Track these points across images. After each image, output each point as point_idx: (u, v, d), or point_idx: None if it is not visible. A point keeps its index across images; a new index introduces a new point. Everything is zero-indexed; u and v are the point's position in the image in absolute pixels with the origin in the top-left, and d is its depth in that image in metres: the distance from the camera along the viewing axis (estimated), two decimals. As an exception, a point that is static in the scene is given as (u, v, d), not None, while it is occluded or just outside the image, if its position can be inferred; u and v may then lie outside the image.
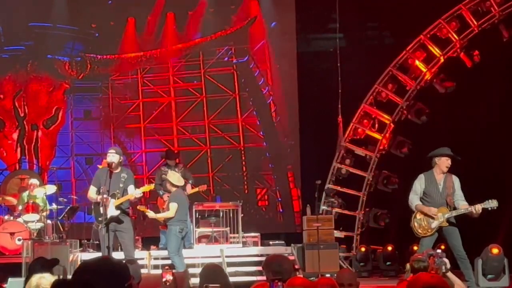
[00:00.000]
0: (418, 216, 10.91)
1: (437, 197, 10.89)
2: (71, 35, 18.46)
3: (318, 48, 17.66)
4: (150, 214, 12.85)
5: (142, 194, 11.95)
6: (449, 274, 8.30)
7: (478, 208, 10.67)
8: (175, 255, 12.33)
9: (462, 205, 10.86)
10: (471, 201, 11.01)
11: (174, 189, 12.58)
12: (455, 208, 10.84)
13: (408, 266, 8.15)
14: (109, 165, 11.23)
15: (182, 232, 12.44)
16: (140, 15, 18.42)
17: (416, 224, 10.91)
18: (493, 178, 15.31)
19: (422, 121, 16.62)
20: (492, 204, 10.67)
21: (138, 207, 13.66)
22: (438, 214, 10.77)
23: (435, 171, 11.00)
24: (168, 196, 14.45)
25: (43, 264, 7.78)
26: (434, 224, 10.78)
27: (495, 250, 12.06)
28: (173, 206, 12.32)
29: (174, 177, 12.74)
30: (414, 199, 10.95)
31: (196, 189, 15.03)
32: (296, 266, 14.07)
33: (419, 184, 10.99)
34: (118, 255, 11.37)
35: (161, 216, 12.74)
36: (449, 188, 10.94)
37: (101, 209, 11.08)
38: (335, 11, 16.74)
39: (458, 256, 10.80)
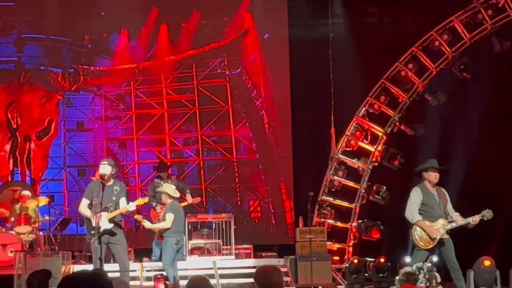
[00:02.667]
0: (419, 229, 10.91)
1: (437, 208, 10.93)
2: (64, 46, 18.46)
3: (311, 60, 17.67)
4: (147, 224, 12.82)
5: (135, 208, 11.92)
6: (440, 288, 8.31)
7: (475, 219, 10.73)
8: (170, 267, 12.31)
9: (456, 216, 10.93)
10: (463, 212, 11.06)
11: (170, 200, 12.54)
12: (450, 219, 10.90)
13: (397, 279, 8.15)
14: (102, 177, 11.18)
15: (178, 244, 12.43)
16: (133, 26, 18.44)
17: (417, 236, 10.90)
18: (485, 190, 15.33)
19: (417, 133, 16.67)
20: (488, 214, 10.73)
21: (135, 216, 13.63)
22: (439, 227, 10.81)
23: (426, 183, 11.05)
24: (161, 208, 14.47)
25: (41, 279, 7.78)
26: (436, 237, 10.81)
27: (487, 262, 12.07)
28: (170, 217, 12.28)
29: (171, 188, 12.72)
30: (414, 213, 10.92)
31: (189, 201, 15.02)
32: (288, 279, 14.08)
33: (417, 196, 10.97)
34: (110, 267, 11.35)
35: (157, 226, 12.69)
36: (444, 200, 11.01)
37: (93, 221, 11.04)
38: (327, 25, 16.81)
39: (452, 268, 10.83)
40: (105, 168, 11.21)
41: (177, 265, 12.59)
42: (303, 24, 18.23)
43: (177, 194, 12.88)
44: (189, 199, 14.82)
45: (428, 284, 8.78)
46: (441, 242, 10.84)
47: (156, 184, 14.96)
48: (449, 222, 10.88)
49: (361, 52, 17.04)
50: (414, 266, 8.37)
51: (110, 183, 11.21)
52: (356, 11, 17.39)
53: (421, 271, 8.37)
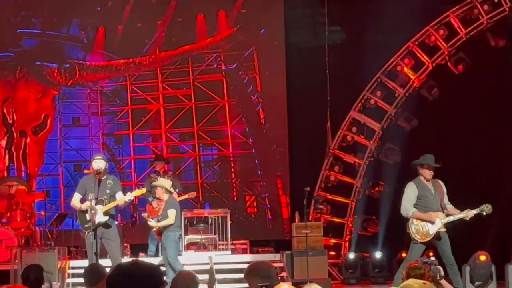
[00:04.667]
0: (415, 222, 10.91)
1: (433, 201, 10.93)
2: (60, 41, 18.42)
3: (307, 55, 17.67)
4: (152, 223, 12.80)
5: (132, 198, 11.90)
6: (443, 281, 8.31)
7: (471, 213, 10.76)
8: (176, 261, 12.35)
9: (451, 209, 10.95)
10: (459, 207, 11.07)
11: (167, 195, 12.54)
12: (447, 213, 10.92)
13: (404, 274, 8.14)
14: (97, 171, 11.19)
15: (180, 238, 12.50)
16: (130, 21, 18.40)
17: (413, 230, 10.90)
18: (481, 184, 15.36)
19: (412, 125, 16.68)
20: (487, 209, 10.75)
21: (142, 215, 13.56)
22: (436, 219, 10.82)
23: (421, 178, 11.06)
24: (157, 203, 14.44)
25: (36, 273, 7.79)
26: (432, 229, 10.81)
27: (482, 257, 12.09)
28: (173, 213, 12.31)
29: (167, 183, 12.73)
30: (409, 207, 10.92)
31: (185, 196, 15.00)
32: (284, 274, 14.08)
33: (412, 191, 10.97)
34: (105, 262, 11.33)
35: (162, 224, 12.60)
36: (440, 193, 11.01)
37: (88, 216, 11.04)
38: (324, 20, 16.80)
39: (448, 263, 10.82)
40: (100, 163, 11.24)
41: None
42: (299, 19, 18.22)
43: (172, 189, 12.90)
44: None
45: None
46: (437, 236, 10.84)
47: (152, 179, 14.93)
48: (446, 216, 10.89)
49: (357, 47, 17.03)
50: (420, 260, 8.38)
51: (103, 177, 11.23)
52: (353, 5, 17.36)
53: (426, 264, 8.35)
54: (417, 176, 11.08)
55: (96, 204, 11.04)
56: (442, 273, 8.24)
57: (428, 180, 11.02)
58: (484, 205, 10.78)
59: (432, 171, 11.00)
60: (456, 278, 10.89)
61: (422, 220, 10.84)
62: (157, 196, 12.98)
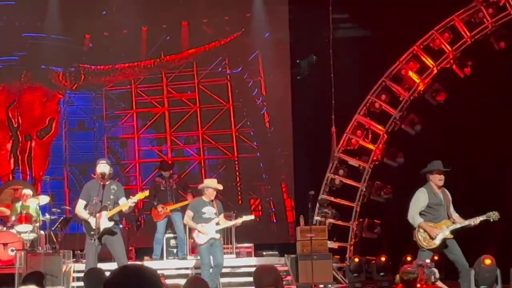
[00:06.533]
0: (421, 229, 10.90)
1: (442, 210, 10.93)
2: (65, 45, 18.45)
3: (312, 58, 17.67)
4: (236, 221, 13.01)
5: (136, 203, 11.89)
6: (439, 283, 8.33)
7: (476, 221, 10.76)
8: None
9: (456, 217, 10.94)
10: (464, 211, 11.06)
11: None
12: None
13: (397, 277, 8.16)
14: (102, 175, 11.18)
15: None
16: (135, 25, 18.42)
17: (420, 237, 10.90)
18: (486, 188, 15.33)
19: (416, 130, 16.66)
20: (494, 216, 10.73)
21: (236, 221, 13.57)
22: (443, 227, 10.81)
23: (432, 185, 11.03)
24: (162, 207, 14.46)
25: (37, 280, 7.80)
26: (439, 237, 10.81)
27: (487, 261, 12.04)
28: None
29: (215, 182, 12.84)
30: (416, 216, 10.91)
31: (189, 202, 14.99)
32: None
33: (423, 198, 10.95)
34: (104, 266, 11.33)
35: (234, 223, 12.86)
36: (447, 201, 11.01)
37: (93, 221, 11.03)
38: (328, 23, 16.80)
39: (462, 269, 10.85)
40: (104, 167, 11.25)
41: None
42: (304, 23, 18.22)
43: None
44: (190, 198, 14.72)
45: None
46: (444, 244, 10.84)
47: (157, 183, 14.95)
48: (452, 223, 10.89)
49: (362, 51, 17.02)
50: (414, 264, 8.40)
51: (107, 182, 11.23)
52: (357, 10, 17.37)
53: (420, 267, 8.38)
54: (424, 180, 11.07)
55: (100, 210, 11.03)
56: (437, 275, 8.26)
57: (439, 187, 11.00)
58: (491, 212, 10.77)
59: (442, 176, 10.98)
60: (465, 284, 10.90)
61: (426, 231, 10.84)
62: (211, 198, 12.89)
